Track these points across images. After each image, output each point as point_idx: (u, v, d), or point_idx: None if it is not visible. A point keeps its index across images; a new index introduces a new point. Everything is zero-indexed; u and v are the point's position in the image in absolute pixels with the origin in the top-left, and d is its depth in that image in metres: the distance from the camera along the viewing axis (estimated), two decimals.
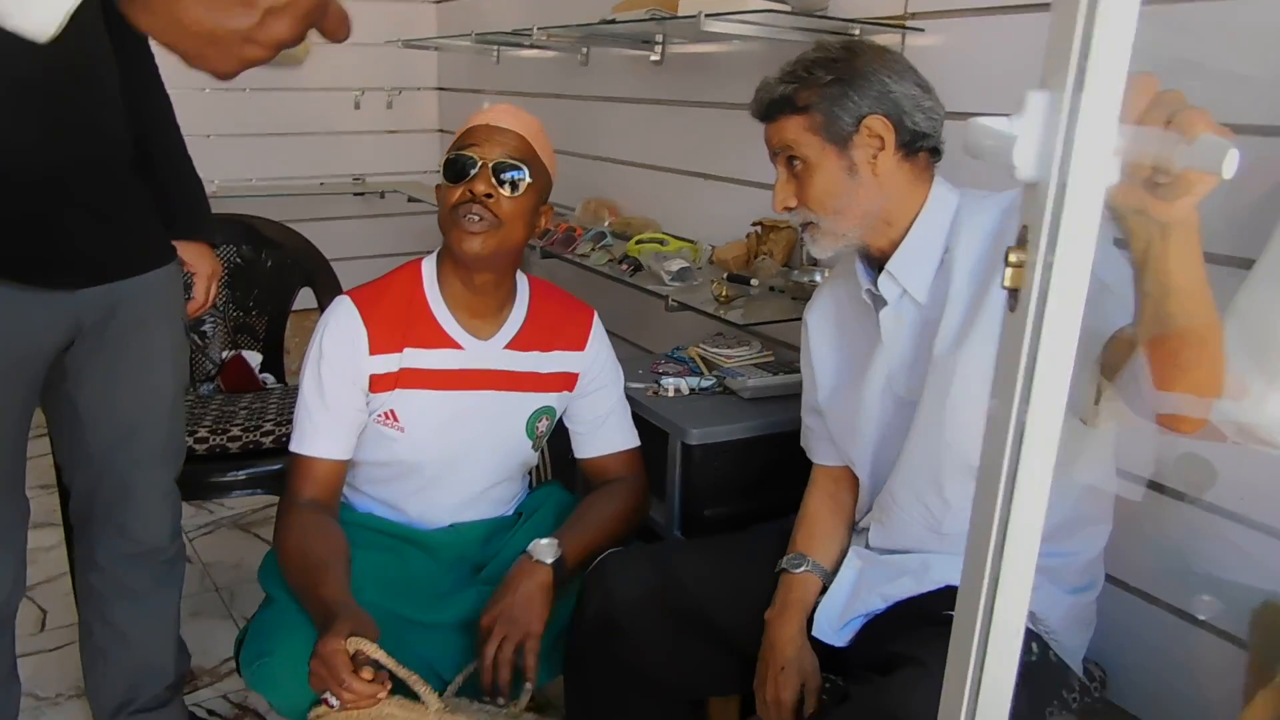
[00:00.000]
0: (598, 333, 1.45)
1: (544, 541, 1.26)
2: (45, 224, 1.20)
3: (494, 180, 1.25)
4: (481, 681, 1.18)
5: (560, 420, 1.48)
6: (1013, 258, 0.58)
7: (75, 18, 1.30)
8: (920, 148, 1.13)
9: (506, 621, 1.19)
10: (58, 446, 1.43)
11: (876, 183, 1.12)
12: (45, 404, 1.37)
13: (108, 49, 1.29)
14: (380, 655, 1.07)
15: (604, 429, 1.46)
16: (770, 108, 1.16)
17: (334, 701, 1.06)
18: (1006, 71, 1.43)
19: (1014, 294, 0.59)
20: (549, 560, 1.24)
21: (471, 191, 1.25)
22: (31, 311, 1.22)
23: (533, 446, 1.43)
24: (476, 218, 1.25)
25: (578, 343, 1.43)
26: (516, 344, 1.38)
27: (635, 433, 1.49)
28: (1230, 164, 0.60)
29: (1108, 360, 0.88)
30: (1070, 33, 0.53)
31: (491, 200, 1.25)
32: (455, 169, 1.27)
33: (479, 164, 1.26)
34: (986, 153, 0.58)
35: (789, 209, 1.17)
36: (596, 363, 1.45)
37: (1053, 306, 0.57)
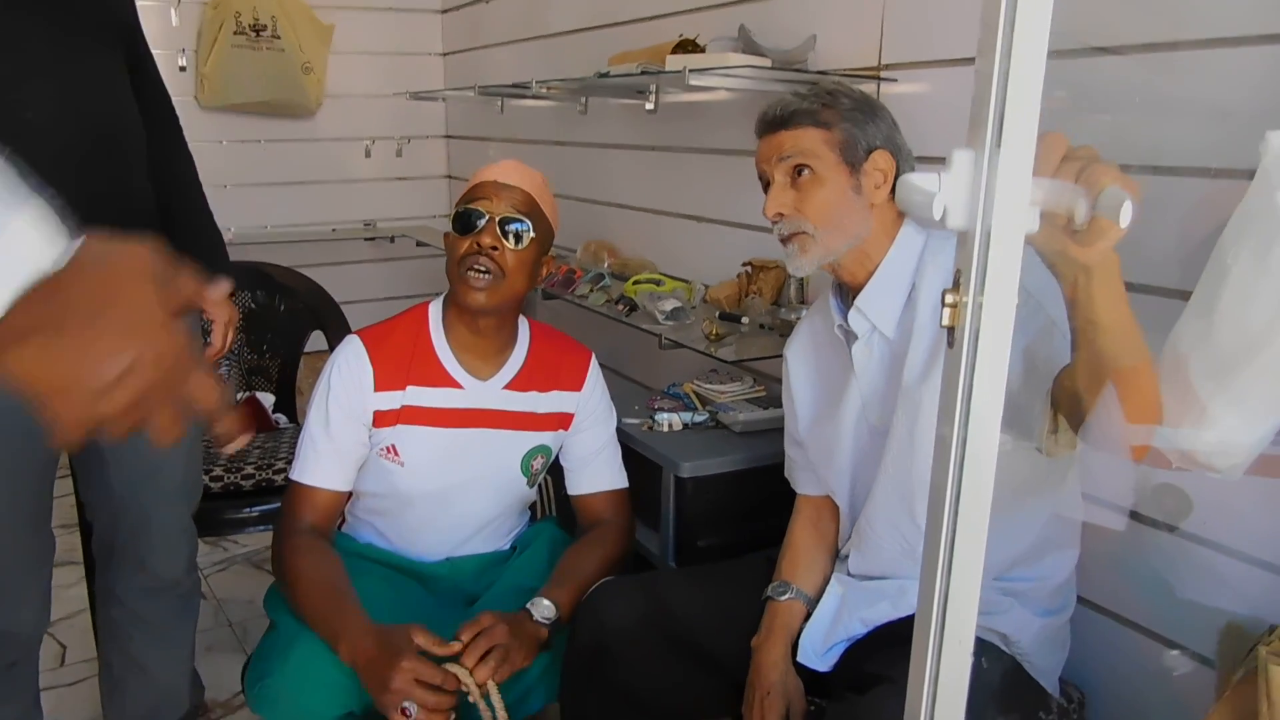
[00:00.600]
0: (594, 373, 1.52)
1: (545, 602, 1.32)
2: None
3: (499, 233, 1.33)
4: (462, 660, 1.21)
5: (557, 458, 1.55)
6: (949, 299, 0.65)
7: (107, 85, 1.39)
8: None
9: (505, 639, 1.23)
10: (82, 485, 1.50)
11: (871, 211, 1.19)
12: None
13: (137, 116, 1.38)
14: (441, 645, 1.19)
15: (593, 466, 1.52)
16: (791, 116, 1.20)
17: (413, 711, 1.13)
18: (968, 115, 1.51)
19: (951, 331, 0.66)
20: (547, 622, 1.31)
21: (478, 244, 1.33)
22: None
23: (528, 484, 1.49)
24: (482, 270, 1.33)
25: (575, 383, 1.50)
26: (515, 385, 1.45)
27: (624, 474, 1.55)
28: (1126, 215, 0.67)
29: (1058, 393, 0.94)
30: (987, 98, 0.61)
31: (496, 253, 1.33)
32: (464, 222, 1.35)
33: (486, 218, 1.34)
34: (915, 207, 0.65)
35: (782, 216, 1.20)
36: (591, 401, 1.51)
37: (985, 341, 0.64)
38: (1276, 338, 0.82)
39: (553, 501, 1.79)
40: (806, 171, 1.19)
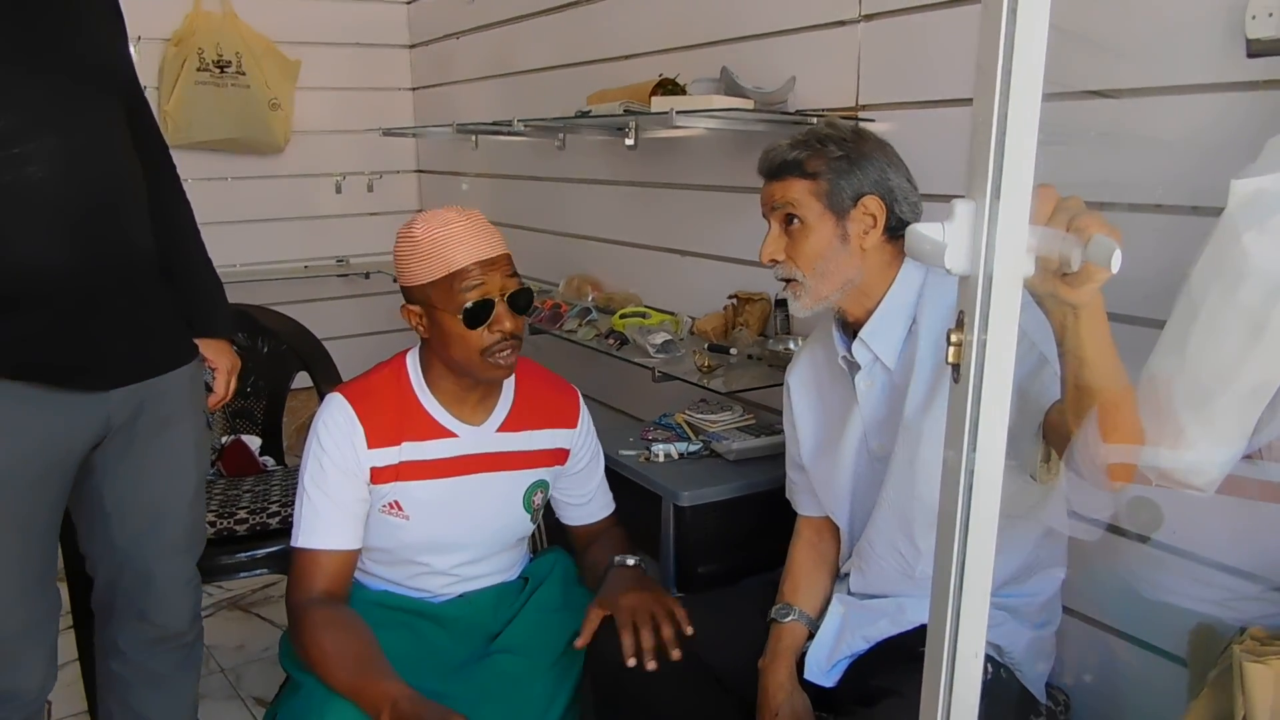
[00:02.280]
0: (584, 411, 1.57)
1: (619, 557, 1.46)
2: (81, 333, 1.29)
3: (511, 312, 1.33)
4: (625, 653, 1.28)
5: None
6: (953, 338, 0.71)
7: (109, 137, 1.40)
8: (900, 234, 1.25)
9: (641, 604, 1.32)
10: (83, 538, 1.48)
11: (862, 255, 1.24)
12: (71, 498, 1.42)
13: (139, 168, 1.39)
14: None
15: (593, 502, 1.59)
16: (780, 167, 1.26)
17: None
18: (945, 155, 1.60)
19: (956, 368, 0.72)
20: (632, 562, 1.44)
21: (503, 331, 1.32)
22: (68, 414, 1.30)
23: (531, 520, 1.52)
24: (509, 352, 1.34)
25: (569, 420, 1.53)
26: (508, 426, 1.47)
27: (611, 495, 1.63)
28: (1116, 261, 0.73)
29: (1049, 425, 1.01)
30: (986, 152, 0.66)
31: (515, 328, 1.34)
32: (476, 317, 1.30)
33: (494, 303, 1.31)
34: (924, 255, 0.71)
35: (775, 262, 1.27)
36: (585, 440, 1.56)
37: (989, 377, 0.69)
38: (1245, 369, 0.90)
39: (544, 534, 1.82)
40: (795, 221, 1.25)
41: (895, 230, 1.25)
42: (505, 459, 1.46)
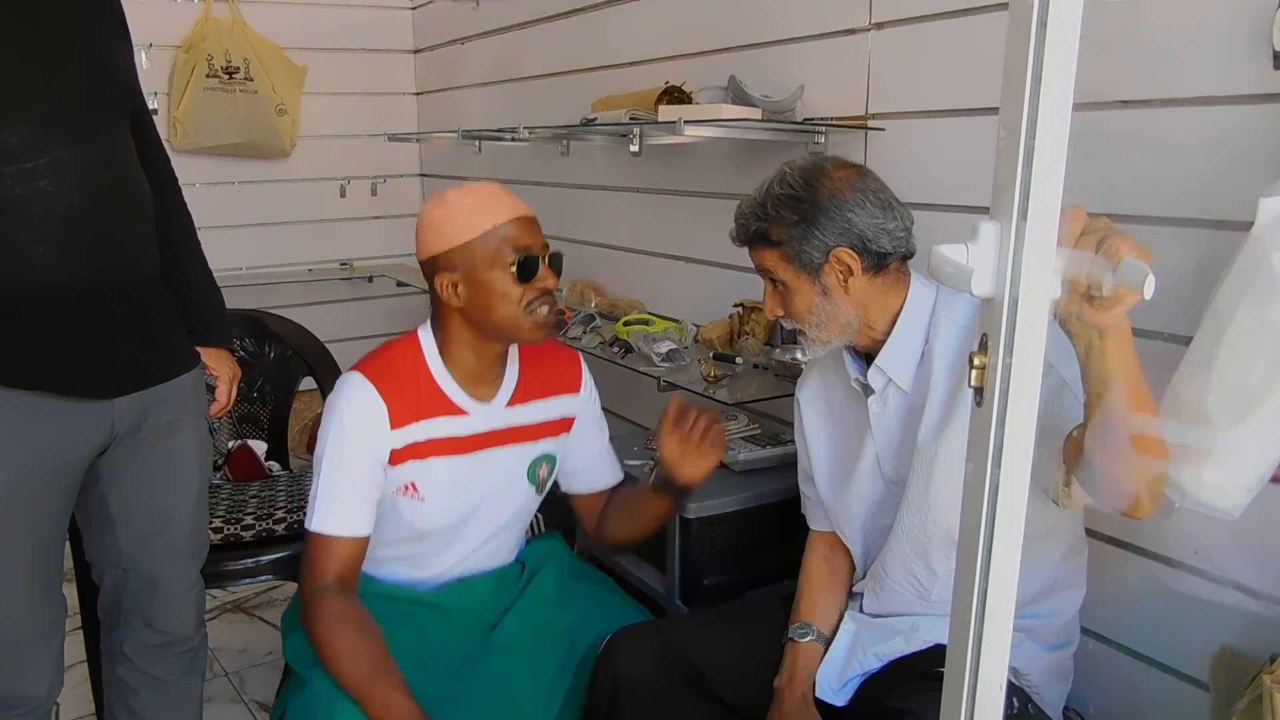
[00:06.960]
0: (586, 374, 1.56)
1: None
2: (89, 343, 1.29)
3: (551, 270, 1.35)
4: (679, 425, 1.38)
5: None
6: (976, 361, 0.69)
7: (117, 151, 1.41)
8: (888, 263, 1.23)
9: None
10: (88, 545, 1.49)
11: (850, 300, 1.22)
12: (77, 505, 1.42)
13: (143, 180, 1.40)
14: None
15: (600, 465, 1.56)
16: (748, 240, 1.28)
17: None
18: (955, 164, 1.59)
19: (979, 392, 0.70)
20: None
21: (547, 288, 1.33)
22: (74, 421, 1.30)
23: (536, 491, 1.50)
24: (550, 309, 1.35)
25: (573, 385, 1.52)
26: (516, 400, 1.46)
27: (620, 465, 1.60)
28: (1149, 287, 0.72)
29: (1069, 449, 0.99)
30: (1013, 173, 0.64)
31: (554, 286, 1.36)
32: (528, 269, 1.32)
33: (540, 261, 1.33)
34: (948, 278, 0.69)
35: (779, 317, 1.29)
36: (589, 402, 1.55)
37: (1013, 400, 0.68)
38: (1273, 390, 0.89)
39: (541, 521, 1.78)
40: (779, 283, 1.26)
41: (880, 264, 1.22)
42: (513, 433, 1.45)
